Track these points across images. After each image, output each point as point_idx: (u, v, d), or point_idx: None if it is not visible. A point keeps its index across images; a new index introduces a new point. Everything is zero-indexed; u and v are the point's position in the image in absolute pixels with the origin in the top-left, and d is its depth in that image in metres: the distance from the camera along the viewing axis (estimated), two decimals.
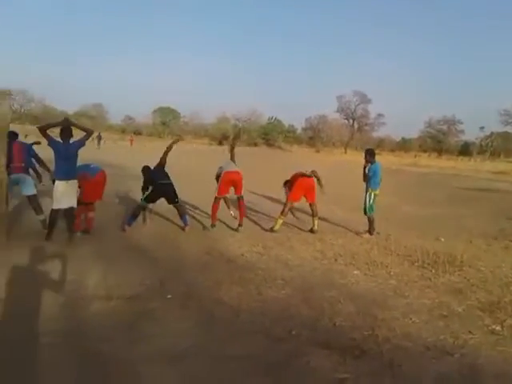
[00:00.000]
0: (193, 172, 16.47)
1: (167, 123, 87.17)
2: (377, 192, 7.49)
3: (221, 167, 7.47)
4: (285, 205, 7.52)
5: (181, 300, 4.07)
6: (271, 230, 7.37)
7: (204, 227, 7.33)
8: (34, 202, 6.29)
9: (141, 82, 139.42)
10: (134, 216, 6.79)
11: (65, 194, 5.73)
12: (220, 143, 77.29)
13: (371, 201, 7.47)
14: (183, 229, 6.95)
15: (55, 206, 5.76)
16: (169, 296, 4.15)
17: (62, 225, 5.97)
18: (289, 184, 7.70)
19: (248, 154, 34.21)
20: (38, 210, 6.31)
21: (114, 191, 9.77)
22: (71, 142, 5.84)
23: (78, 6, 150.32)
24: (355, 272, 5.35)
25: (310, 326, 3.68)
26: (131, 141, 52.40)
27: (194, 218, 8.07)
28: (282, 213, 7.44)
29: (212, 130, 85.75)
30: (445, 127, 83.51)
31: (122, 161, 18.89)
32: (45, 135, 5.63)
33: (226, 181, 7.17)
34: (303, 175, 7.60)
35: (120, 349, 3.08)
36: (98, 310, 3.77)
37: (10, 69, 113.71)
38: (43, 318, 3.53)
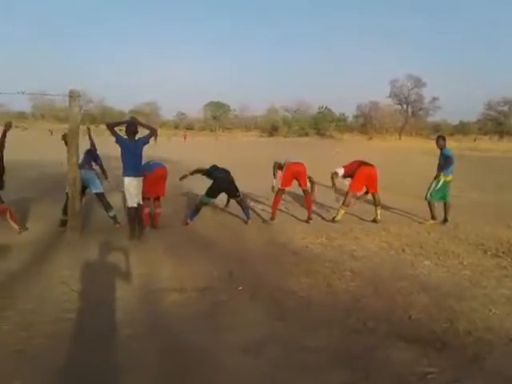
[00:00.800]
0: (249, 164, 16.54)
1: (218, 117, 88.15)
2: (449, 178, 7.22)
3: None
4: (346, 195, 7.39)
5: (251, 291, 4.11)
6: (333, 220, 7.28)
7: (264, 220, 7.34)
8: (102, 199, 6.54)
9: (192, 79, 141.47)
10: (197, 211, 6.90)
11: (135, 191, 5.86)
12: (270, 134, 77.28)
13: (437, 186, 7.21)
14: (245, 222, 7.01)
15: (131, 204, 5.88)
16: (240, 287, 4.20)
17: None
18: (348, 171, 7.51)
19: (300, 144, 34.05)
20: (107, 206, 6.55)
21: (173, 186, 9.97)
22: (137, 138, 5.99)
23: (132, 7, 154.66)
24: (426, 262, 5.18)
25: (384, 318, 3.60)
26: (185, 136, 53.61)
27: (253, 210, 8.09)
28: (344, 203, 7.32)
29: (262, 121, 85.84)
30: (505, 108, 78.82)
31: (178, 156, 19.25)
32: (112, 132, 5.82)
33: (290, 173, 7.11)
34: (364, 164, 7.43)
35: (202, 339, 3.15)
36: (174, 301, 3.87)
37: (69, 70, 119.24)
38: (122, 311, 3.66)
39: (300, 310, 3.73)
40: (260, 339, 3.15)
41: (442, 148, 7.33)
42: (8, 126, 5.88)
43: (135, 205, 5.88)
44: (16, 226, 6.01)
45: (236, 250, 5.53)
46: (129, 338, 3.18)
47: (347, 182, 7.67)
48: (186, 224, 6.82)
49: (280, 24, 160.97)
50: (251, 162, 18.24)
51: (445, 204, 7.35)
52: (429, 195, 7.28)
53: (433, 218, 7.40)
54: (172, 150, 27.75)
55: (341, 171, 7.50)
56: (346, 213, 7.42)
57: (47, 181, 11.10)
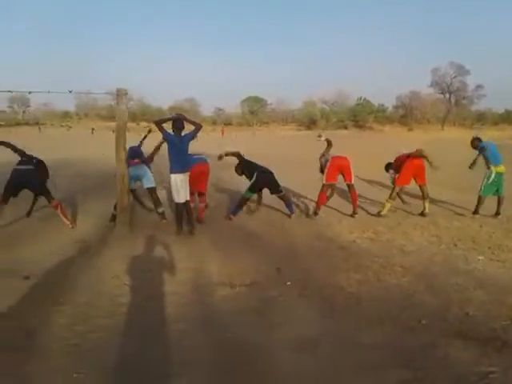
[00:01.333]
0: (288, 159, 16.48)
1: (255, 112, 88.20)
2: (500, 169, 6.94)
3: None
4: (393, 188, 7.22)
5: (300, 287, 4.08)
6: (378, 214, 7.13)
7: (307, 215, 7.27)
8: (153, 194, 6.65)
9: (229, 75, 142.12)
10: (240, 206, 6.92)
11: (183, 187, 5.90)
12: (308, 128, 76.55)
13: (490, 180, 6.93)
14: (289, 216, 6.97)
15: (179, 200, 5.91)
16: (288, 283, 4.18)
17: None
18: (395, 166, 7.37)
19: (339, 137, 33.49)
20: (157, 202, 6.66)
21: (216, 180, 10.05)
22: (183, 134, 6.03)
23: (166, 5, 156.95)
24: (479, 257, 4.99)
25: (439, 315, 3.49)
26: (222, 131, 54.42)
27: (296, 205, 8.03)
28: (390, 196, 7.16)
29: (299, 114, 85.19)
30: None
31: (218, 151, 19.39)
32: (160, 129, 5.88)
33: (334, 167, 7.01)
34: (410, 156, 7.24)
35: (255, 335, 3.16)
36: (225, 296, 3.89)
37: (107, 69, 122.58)
38: (173, 305, 3.71)
39: (351, 306, 3.67)
40: (313, 336, 3.12)
41: (478, 147, 7.10)
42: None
43: (183, 201, 5.92)
44: (67, 222, 6.23)
45: (282, 245, 5.50)
46: (182, 332, 3.22)
47: (392, 172, 7.52)
48: (230, 219, 6.85)
49: (315, 16, 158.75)
50: (290, 157, 18.16)
51: (499, 197, 7.06)
52: (482, 190, 7.01)
53: (475, 212, 7.15)
54: (211, 144, 28.02)
55: (391, 173, 7.41)
56: (391, 206, 7.25)
57: (94, 177, 11.45)
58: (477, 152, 7.14)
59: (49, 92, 6.03)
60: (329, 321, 3.38)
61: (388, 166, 7.98)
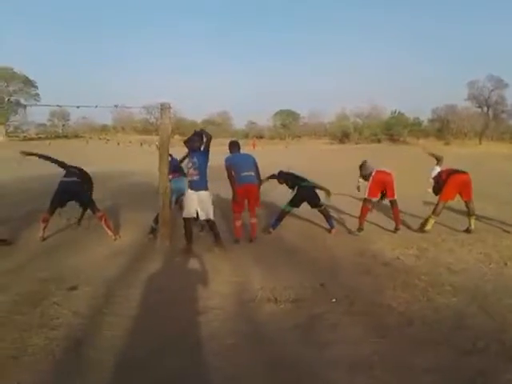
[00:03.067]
0: (324, 173, 16.35)
1: (287, 125, 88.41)
2: None
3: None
4: (437, 204, 7.04)
5: (346, 304, 3.99)
6: (422, 230, 6.96)
7: (350, 231, 7.14)
8: None
9: (262, 88, 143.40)
10: (279, 219, 6.89)
11: (193, 204, 5.79)
12: (341, 141, 75.99)
13: None
14: (329, 231, 6.88)
15: (184, 214, 5.88)
16: (333, 300, 4.10)
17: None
18: (439, 180, 7.17)
19: (373, 150, 33.06)
20: None
21: None
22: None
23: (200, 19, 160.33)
24: None
25: (496, 337, 3.33)
26: (254, 144, 55.20)
27: (337, 220, 7.91)
28: (434, 212, 6.98)
29: (331, 128, 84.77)
30: None
31: None
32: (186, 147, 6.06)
33: (377, 181, 6.92)
34: (455, 171, 7.05)
35: (305, 353, 3.09)
36: (271, 312, 3.84)
37: (141, 83, 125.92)
38: (219, 320, 3.69)
39: (402, 326, 3.55)
40: (365, 356, 3.02)
41: None
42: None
43: (187, 216, 5.81)
44: (111, 233, 6.35)
45: (324, 261, 5.42)
46: (231, 347, 3.19)
47: (430, 190, 7.33)
48: (269, 233, 6.82)
49: (351, 28, 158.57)
50: (326, 171, 18.02)
51: None
52: None
53: None
54: None
55: (436, 170, 7.19)
56: (436, 222, 7.06)
57: (137, 189, 11.68)
58: None
59: (96, 107, 6.21)
60: (380, 341, 3.28)
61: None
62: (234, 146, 6.61)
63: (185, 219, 5.84)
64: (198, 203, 5.72)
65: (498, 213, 8.42)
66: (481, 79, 73.05)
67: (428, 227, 6.93)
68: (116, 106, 6.57)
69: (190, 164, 5.82)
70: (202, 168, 5.75)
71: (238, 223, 6.38)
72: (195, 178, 5.74)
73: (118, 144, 53.57)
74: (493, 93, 73.78)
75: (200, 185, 5.74)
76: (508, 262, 5.28)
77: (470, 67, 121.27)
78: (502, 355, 3.06)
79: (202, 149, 5.84)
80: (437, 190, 7.27)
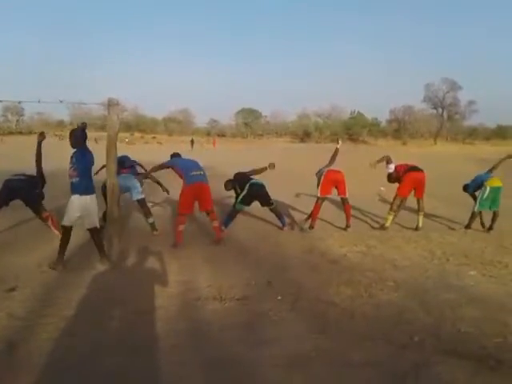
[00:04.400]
0: (283, 171, 16.42)
1: (249, 124, 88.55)
2: (495, 183, 7.03)
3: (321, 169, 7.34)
4: (394, 200, 7.22)
5: (291, 301, 4.01)
6: (382, 227, 7.14)
7: (302, 228, 7.21)
8: (143, 205, 6.60)
9: (224, 87, 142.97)
10: (231, 218, 6.84)
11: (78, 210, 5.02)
12: (302, 140, 76.87)
13: (484, 195, 6.98)
14: (281, 229, 6.92)
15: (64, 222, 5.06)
16: (279, 297, 4.11)
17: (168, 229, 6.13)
18: (395, 176, 7.32)
19: (332, 150, 33.57)
20: (147, 213, 6.62)
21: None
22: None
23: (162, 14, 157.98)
24: (471, 273, 4.98)
25: (432, 332, 3.43)
26: (214, 142, 55.41)
27: (289, 218, 7.97)
28: (392, 208, 7.17)
29: (293, 127, 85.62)
30: None
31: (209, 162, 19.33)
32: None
33: (329, 180, 7.01)
34: (413, 169, 7.25)
35: (245, 351, 3.08)
36: (215, 310, 3.81)
37: (101, 79, 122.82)
38: (163, 319, 3.62)
39: (343, 322, 3.61)
40: (305, 353, 3.04)
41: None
42: (41, 137, 5.88)
43: (68, 223, 5.02)
44: (58, 233, 6.12)
45: (273, 259, 5.44)
46: (172, 348, 3.13)
47: (383, 188, 7.48)
48: (221, 231, 6.76)
49: (309, 29, 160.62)
50: (285, 169, 18.12)
51: (494, 212, 7.09)
52: (477, 206, 7.05)
53: (467, 227, 7.21)
54: (205, 156, 27.99)
55: (391, 167, 7.35)
56: (394, 219, 7.23)
57: None
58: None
59: (39, 102, 5.91)
60: (320, 337, 3.31)
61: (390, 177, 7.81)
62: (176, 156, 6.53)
63: (64, 227, 5.05)
64: (80, 209, 4.96)
65: (448, 212, 8.75)
66: (436, 82, 75.67)
67: (387, 224, 7.12)
68: (61, 101, 6.29)
69: (70, 164, 5.05)
70: (80, 169, 4.94)
71: (181, 227, 6.05)
72: (74, 180, 4.95)
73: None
74: (447, 95, 76.66)
75: (79, 188, 4.93)
76: (450, 258, 5.47)
77: (427, 69, 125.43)
78: (437, 349, 3.16)
79: (82, 147, 5.03)
80: (393, 180, 7.49)
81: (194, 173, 6.09)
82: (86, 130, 5.13)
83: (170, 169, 6.21)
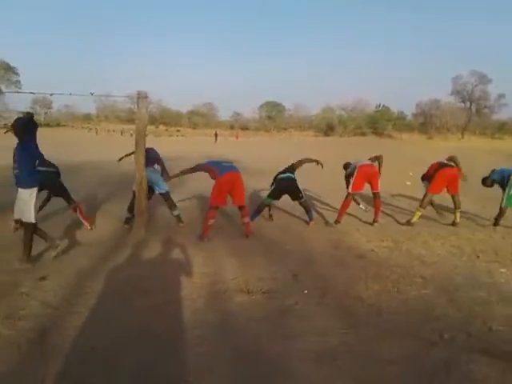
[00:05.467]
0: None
1: (273, 117, 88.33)
2: None
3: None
4: (424, 196, 7.08)
5: (318, 296, 4.00)
6: (408, 223, 7.02)
7: (327, 223, 7.15)
8: (167, 198, 6.65)
9: (248, 80, 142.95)
10: (258, 212, 6.84)
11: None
12: (326, 134, 76.21)
13: (511, 191, 6.77)
14: (307, 223, 6.89)
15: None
16: (305, 291, 4.11)
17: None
18: (428, 174, 7.22)
19: (357, 144, 33.24)
20: (172, 205, 6.67)
21: None
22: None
23: (189, 10, 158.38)
24: (502, 270, 4.85)
25: (462, 329, 3.37)
26: (237, 135, 56.03)
27: (317, 212, 7.93)
28: (421, 205, 7.05)
29: (317, 120, 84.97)
30: None
31: (235, 155, 19.39)
32: None
33: (362, 175, 6.90)
34: (444, 165, 7.11)
35: (273, 344, 3.09)
36: (241, 303, 3.83)
37: (127, 72, 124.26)
38: (190, 310, 3.66)
39: (371, 317, 3.58)
40: (333, 348, 3.04)
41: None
42: None
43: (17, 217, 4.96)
44: (86, 223, 6.26)
45: (299, 252, 5.42)
46: (198, 338, 3.17)
47: (411, 174, 7.37)
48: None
49: (335, 21, 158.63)
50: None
51: None
52: (505, 202, 6.86)
53: (495, 224, 7.04)
54: (228, 149, 28.06)
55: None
56: (422, 215, 7.12)
57: (113, 179, 11.54)
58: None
59: (70, 94, 6.06)
60: (348, 332, 3.30)
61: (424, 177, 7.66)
62: None
63: (26, 224, 4.84)
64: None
65: (476, 207, 8.57)
66: (464, 74, 73.82)
67: (414, 219, 6.99)
68: (92, 94, 6.41)
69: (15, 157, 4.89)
70: (21, 161, 4.74)
71: (211, 221, 5.97)
72: (15, 172, 4.78)
73: (97, 133, 53.12)
74: (476, 88, 74.72)
75: (19, 181, 4.76)
76: (480, 255, 5.36)
77: (454, 62, 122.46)
78: (468, 346, 3.11)
79: (24, 140, 4.78)
80: (424, 178, 7.39)
81: (227, 164, 6.17)
82: (37, 120, 4.94)
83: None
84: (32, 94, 6.60)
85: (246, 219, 6.15)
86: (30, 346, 3.03)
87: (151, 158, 6.46)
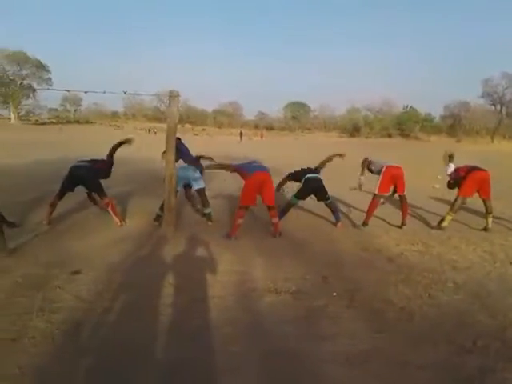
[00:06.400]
0: (334, 167, 16.22)
1: (297, 117, 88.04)
2: None
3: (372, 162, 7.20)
4: (455, 200, 6.93)
5: (347, 298, 3.97)
6: (438, 226, 6.89)
7: (354, 225, 7.09)
8: (202, 195, 6.72)
9: (273, 79, 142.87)
10: (284, 212, 6.83)
11: None
12: (351, 135, 75.46)
13: None
14: (335, 225, 6.84)
15: None
16: (334, 294, 4.09)
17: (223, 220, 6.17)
18: (457, 177, 7.06)
19: (383, 145, 32.82)
20: (205, 203, 6.73)
21: None
22: None
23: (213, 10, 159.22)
24: None
25: (496, 336, 3.30)
26: (261, 135, 56.37)
27: (343, 214, 7.85)
28: (452, 208, 6.90)
29: (342, 121, 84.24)
30: None
31: (260, 155, 19.41)
32: None
33: (389, 177, 6.77)
34: (475, 168, 6.96)
35: (303, 345, 3.09)
36: (270, 303, 3.84)
37: (152, 71, 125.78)
38: (218, 308, 3.69)
39: (402, 322, 3.54)
40: (362, 351, 3.02)
41: None
42: (128, 141, 6.33)
43: None
44: (117, 219, 6.38)
45: (328, 254, 5.39)
46: (229, 337, 3.19)
47: (440, 177, 7.18)
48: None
49: (360, 20, 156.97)
50: (337, 165, 17.90)
51: None
52: None
53: None
54: (253, 148, 28.09)
55: (451, 167, 7.11)
56: (452, 219, 6.99)
57: (142, 176, 11.73)
58: None
59: (104, 92, 6.18)
60: (379, 336, 3.27)
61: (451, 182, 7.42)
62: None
63: None
64: None
65: (508, 212, 8.34)
66: (495, 77, 71.98)
67: (445, 224, 6.86)
68: (125, 93, 6.54)
69: None
70: None
71: (240, 221, 6.01)
72: None
73: (122, 130, 54.12)
74: (507, 91, 72.80)
75: None
76: None
77: (484, 64, 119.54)
78: (502, 354, 3.05)
79: None
80: (453, 185, 7.21)
81: (257, 164, 6.21)
82: None
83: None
84: (62, 92, 6.74)
85: (275, 219, 6.14)
86: (64, 339, 3.11)
87: (186, 154, 6.53)
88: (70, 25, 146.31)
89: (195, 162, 6.69)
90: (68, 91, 6.49)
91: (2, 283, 4.04)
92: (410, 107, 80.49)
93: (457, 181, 7.04)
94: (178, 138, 6.18)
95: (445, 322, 3.56)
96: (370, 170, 7.23)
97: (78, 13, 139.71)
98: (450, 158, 7.17)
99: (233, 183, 6.47)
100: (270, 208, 6.11)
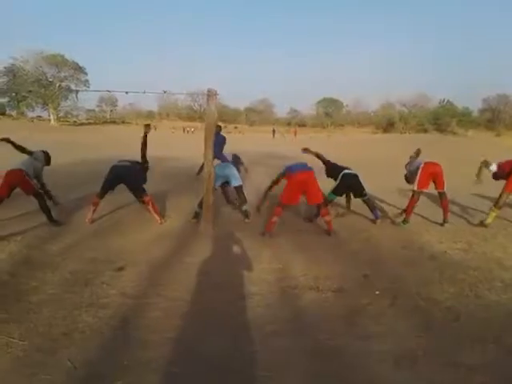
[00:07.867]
0: (369, 162, 16.00)
1: (330, 113, 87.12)
2: None
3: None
4: (500, 196, 6.67)
5: (390, 297, 3.91)
6: (482, 224, 6.68)
7: (394, 222, 6.97)
8: (240, 192, 6.76)
9: (305, 75, 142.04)
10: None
11: None
12: (385, 131, 74.04)
13: None
14: (373, 222, 6.74)
15: None
16: (377, 292, 4.03)
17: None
18: (501, 172, 6.81)
19: (420, 141, 31.96)
20: (243, 200, 6.77)
21: None
22: None
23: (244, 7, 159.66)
24: None
25: None
26: (295, 132, 56.23)
27: (382, 211, 7.71)
28: (496, 205, 6.67)
29: (376, 117, 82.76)
30: None
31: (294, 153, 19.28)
32: None
33: (427, 173, 6.64)
34: None
35: (349, 344, 3.07)
36: (313, 300, 3.82)
37: (186, 69, 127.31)
38: (262, 305, 3.70)
39: (448, 321, 3.45)
40: (410, 351, 2.96)
41: None
42: (147, 128, 6.32)
43: None
44: (157, 217, 6.49)
45: (367, 252, 5.32)
46: (273, 334, 3.20)
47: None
48: (311, 221, 6.75)
49: (394, 13, 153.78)
50: (371, 160, 17.66)
51: None
52: None
53: None
54: (285, 144, 27.94)
55: (493, 167, 6.86)
56: (496, 216, 6.75)
57: (178, 175, 11.88)
58: None
59: (144, 92, 6.28)
60: (425, 336, 3.20)
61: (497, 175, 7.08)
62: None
63: None
64: None
65: None
66: None
67: (489, 220, 6.65)
68: (165, 92, 6.63)
69: None
70: None
71: (276, 218, 5.98)
72: None
73: (155, 129, 55.20)
74: None
75: None
76: None
77: None
78: None
79: None
80: (498, 178, 6.94)
81: (299, 164, 6.18)
82: None
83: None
84: (98, 93, 6.92)
85: (328, 218, 6.10)
86: (113, 334, 3.19)
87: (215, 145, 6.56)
88: (105, 28, 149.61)
89: (218, 155, 6.69)
90: (109, 92, 6.63)
91: (52, 279, 4.18)
92: (447, 101, 78.28)
93: (500, 176, 6.79)
94: (219, 126, 6.18)
95: (493, 322, 3.46)
96: (408, 171, 7.08)
97: (112, 17, 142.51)
98: (487, 164, 6.88)
99: (267, 183, 6.49)
100: (319, 206, 6.11)
